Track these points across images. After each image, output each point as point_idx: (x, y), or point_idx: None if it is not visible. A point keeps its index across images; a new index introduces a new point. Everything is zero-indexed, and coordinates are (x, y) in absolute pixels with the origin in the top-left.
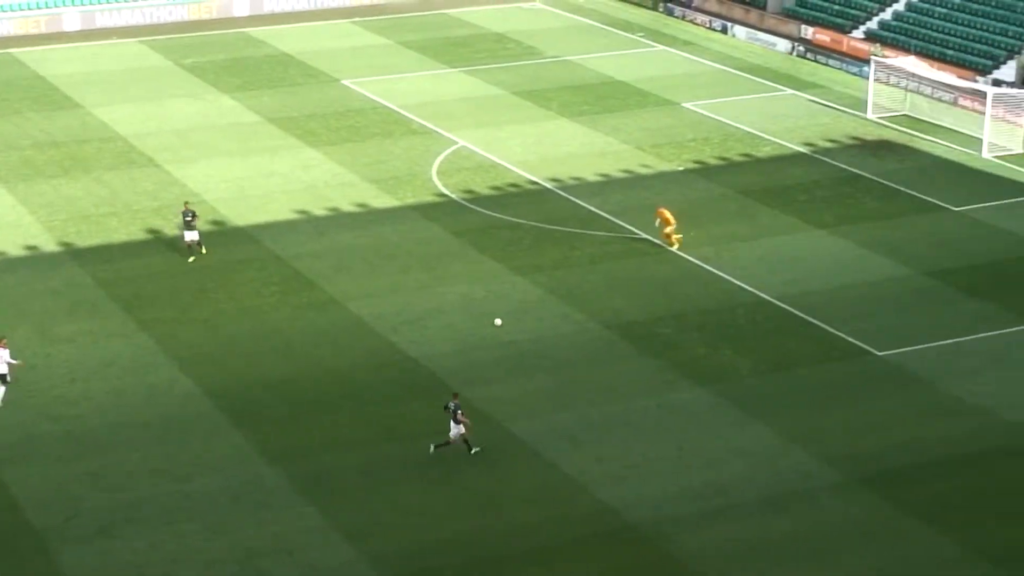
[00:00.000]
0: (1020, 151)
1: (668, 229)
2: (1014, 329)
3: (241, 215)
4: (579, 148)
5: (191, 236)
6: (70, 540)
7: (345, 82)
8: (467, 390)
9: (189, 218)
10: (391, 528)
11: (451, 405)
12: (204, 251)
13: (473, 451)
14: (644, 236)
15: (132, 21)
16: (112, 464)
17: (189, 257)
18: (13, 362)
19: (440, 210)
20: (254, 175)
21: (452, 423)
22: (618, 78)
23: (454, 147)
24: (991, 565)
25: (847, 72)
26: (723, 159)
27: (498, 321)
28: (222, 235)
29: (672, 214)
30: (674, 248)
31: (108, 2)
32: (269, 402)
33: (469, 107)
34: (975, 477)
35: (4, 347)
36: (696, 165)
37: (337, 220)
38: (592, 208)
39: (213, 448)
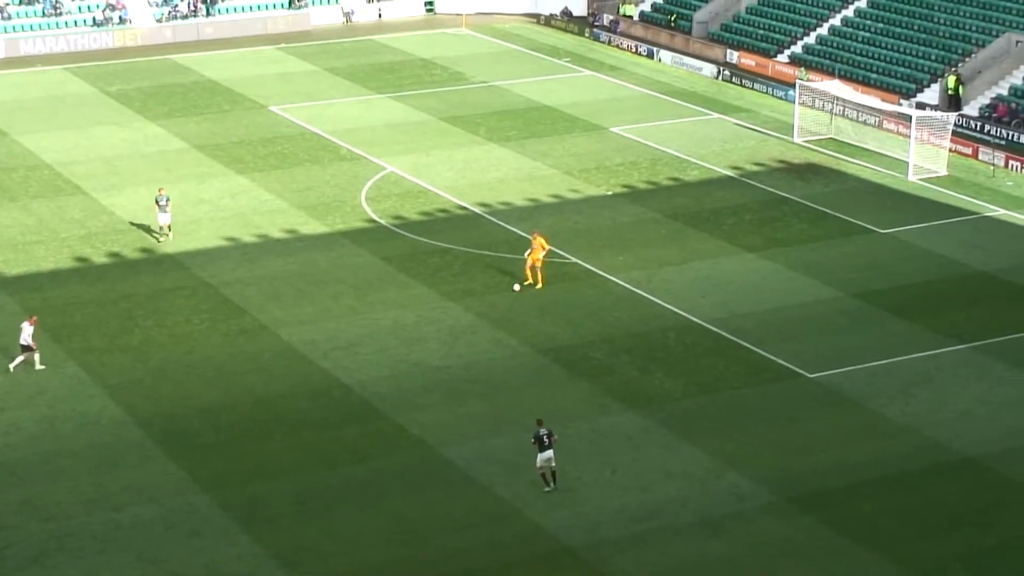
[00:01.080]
0: (945, 173)
1: (534, 259)
2: (943, 350)
3: (170, 242)
4: (507, 173)
5: (164, 219)
6: (3, 570)
7: (272, 108)
8: (400, 416)
9: (163, 202)
10: (325, 555)
11: (542, 433)
12: (171, 237)
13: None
14: (574, 260)
15: (56, 48)
16: (44, 493)
17: (161, 238)
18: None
19: (369, 236)
20: (182, 202)
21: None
22: (545, 103)
23: (382, 173)
24: None
25: (773, 96)
26: (651, 183)
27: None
28: (150, 263)
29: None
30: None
31: (32, 29)
32: (201, 430)
33: (397, 133)
34: (905, 496)
35: (31, 324)
36: (625, 189)
37: (266, 247)
38: (522, 233)
39: (145, 476)
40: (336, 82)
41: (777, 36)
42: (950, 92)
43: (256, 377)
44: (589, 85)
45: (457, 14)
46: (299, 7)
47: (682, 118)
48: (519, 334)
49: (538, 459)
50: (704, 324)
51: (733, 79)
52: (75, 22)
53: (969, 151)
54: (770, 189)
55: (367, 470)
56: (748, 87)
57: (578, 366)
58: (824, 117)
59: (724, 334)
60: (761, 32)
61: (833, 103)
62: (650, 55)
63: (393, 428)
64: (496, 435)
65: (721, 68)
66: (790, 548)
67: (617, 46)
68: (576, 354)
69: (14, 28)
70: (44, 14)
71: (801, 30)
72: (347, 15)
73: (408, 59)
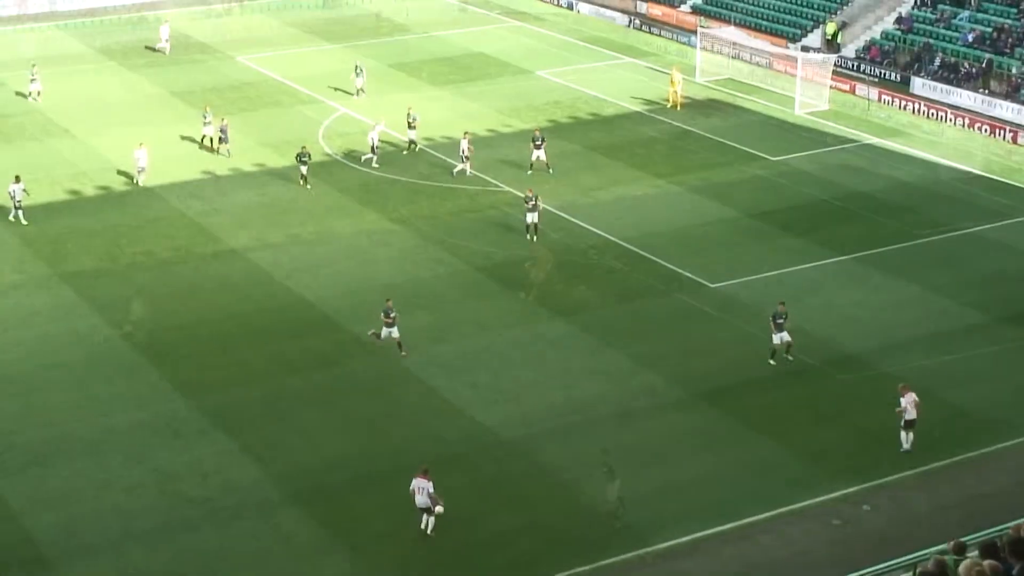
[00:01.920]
0: (827, 107)
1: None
2: (827, 261)
3: (151, 178)
4: (448, 112)
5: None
6: (6, 469)
7: (239, 59)
8: (356, 328)
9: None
10: (291, 449)
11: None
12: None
13: (403, 353)
14: (506, 188)
15: (41, 8)
16: (41, 402)
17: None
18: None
19: (327, 170)
20: (162, 142)
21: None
22: (479, 51)
23: (336, 114)
24: (811, 464)
25: (678, 42)
26: (573, 119)
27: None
28: (134, 196)
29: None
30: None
31: None
32: (179, 343)
33: (349, 78)
34: (797, 388)
35: None
36: (550, 124)
37: (237, 180)
38: (460, 165)
39: (131, 386)
40: (295, 34)
41: None
42: (828, 37)
43: (228, 295)
44: (517, 35)
45: None
46: None
47: (599, 62)
48: (459, 254)
49: None
50: (620, 242)
51: (643, 27)
52: None
53: (847, 88)
54: (676, 124)
55: (328, 376)
56: (656, 34)
57: (511, 281)
58: (722, 60)
59: (637, 250)
60: None
61: (730, 47)
62: (570, 7)
63: (350, 338)
64: (440, 343)
65: (632, 17)
66: (696, 436)
67: (541, 0)
68: (509, 270)
69: None
70: None
71: None
72: None
73: (360, 13)
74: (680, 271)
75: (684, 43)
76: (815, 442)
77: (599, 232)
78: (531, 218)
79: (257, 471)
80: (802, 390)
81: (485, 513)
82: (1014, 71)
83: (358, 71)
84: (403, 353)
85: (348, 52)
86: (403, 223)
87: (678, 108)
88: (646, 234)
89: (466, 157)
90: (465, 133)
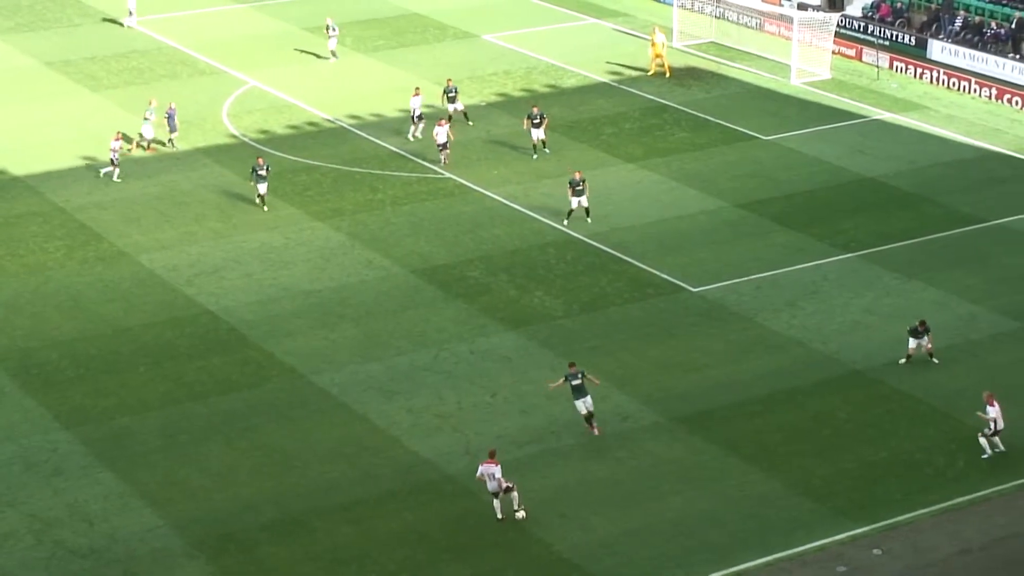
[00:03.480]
0: (828, 76)
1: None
2: (829, 260)
3: (20, 165)
4: (377, 85)
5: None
6: None
7: (126, 21)
8: (269, 343)
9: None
10: (194, 491)
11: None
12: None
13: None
14: (447, 175)
15: None
16: None
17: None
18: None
19: (233, 154)
20: (32, 123)
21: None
22: (413, 10)
23: (244, 87)
24: (812, 501)
25: None
26: (527, 91)
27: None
28: (0, 187)
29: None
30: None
31: None
32: (59, 364)
33: (258, 45)
34: (794, 412)
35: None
36: (500, 99)
37: (124, 168)
38: (393, 148)
39: (2, 415)
40: None
41: None
42: None
43: (116, 306)
44: None
45: None
46: None
47: (557, 24)
48: (392, 254)
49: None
50: (584, 239)
51: None
52: None
53: (853, 53)
54: (650, 96)
55: (237, 401)
56: None
57: (454, 286)
58: (704, 20)
59: (605, 248)
60: None
61: (713, 5)
62: None
63: (263, 356)
64: (370, 360)
65: None
66: (677, 468)
67: None
68: (452, 273)
69: None
70: None
71: None
72: None
73: None
74: (656, 273)
75: (659, 0)
76: (816, 476)
77: (558, 227)
78: (577, 202)
79: (152, 516)
80: (800, 414)
81: (424, 563)
82: None
83: (330, 30)
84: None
85: (256, 13)
86: (325, 218)
87: (667, 74)
88: (615, 229)
89: (419, 117)
90: (416, 89)
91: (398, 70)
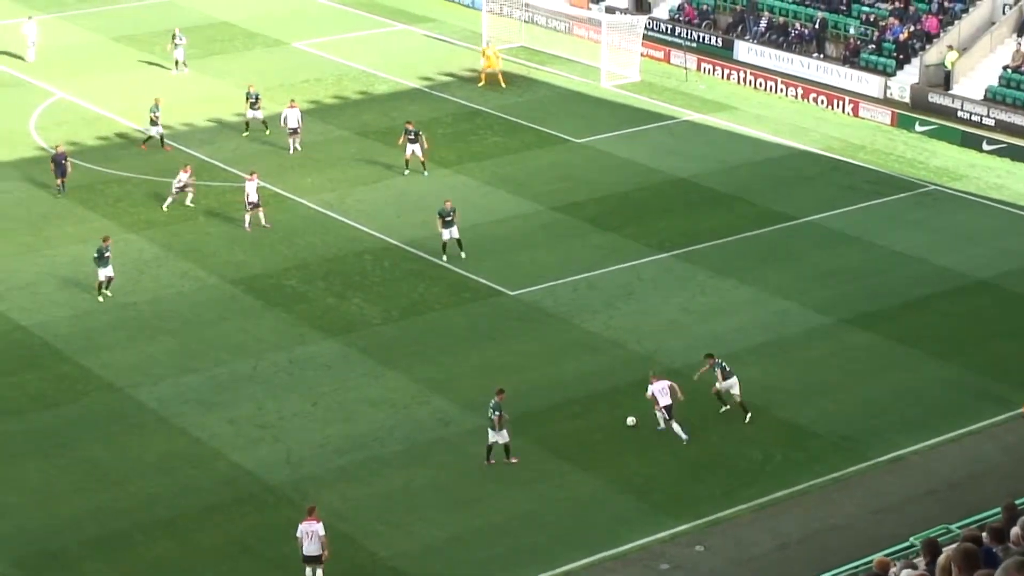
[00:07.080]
0: (638, 79)
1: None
2: (644, 260)
3: None
4: (187, 94)
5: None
6: None
7: None
8: (85, 358)
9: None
10: (11, 510)
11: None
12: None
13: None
14: (263, 184)
15: None
16: None
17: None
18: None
19: (42, 168)
20: None
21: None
22: (222, 18)
23: (52, 99)
24: (634, 499)
25: (459, 4)
26: (340, 98)
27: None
28: None
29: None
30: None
31: None
32: None
33: (65, 55)
34: (611, 412)
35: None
36: (311, 106)
37: None
38: (205, 157)
39: None
40: None
41: None
42: None
43: None
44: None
45: None
46: None
47: (367, 30)
48: (207, 265)
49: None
50: (401, 245)
51: None
52: None
53: (661, 55)
54: (462, 101)
55: (53, 417)
56: None
57: (272, 295)
58: (514, 24)
59: (422, 254)
60: None
61: (522, 10)
62: None
63: (79, 371)
64: (189, 372)
65: None
66: (499, 472)
67: None
68: (269, 283)
69: None
70: None
71: None
72: None
73: None
74: (473, 277)
75: (467, 6)
76: (637, 474)
77: (374, 233)
78: (449, 234)
79: None
80: (619, 414)
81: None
82: (852, 31)
83: (176, 41)
84: None
85: (62, 23)
86: (138, 230)
87: (502, 84)
88: (432, 235)
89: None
90: (292, 101)
91: (209, 79)
